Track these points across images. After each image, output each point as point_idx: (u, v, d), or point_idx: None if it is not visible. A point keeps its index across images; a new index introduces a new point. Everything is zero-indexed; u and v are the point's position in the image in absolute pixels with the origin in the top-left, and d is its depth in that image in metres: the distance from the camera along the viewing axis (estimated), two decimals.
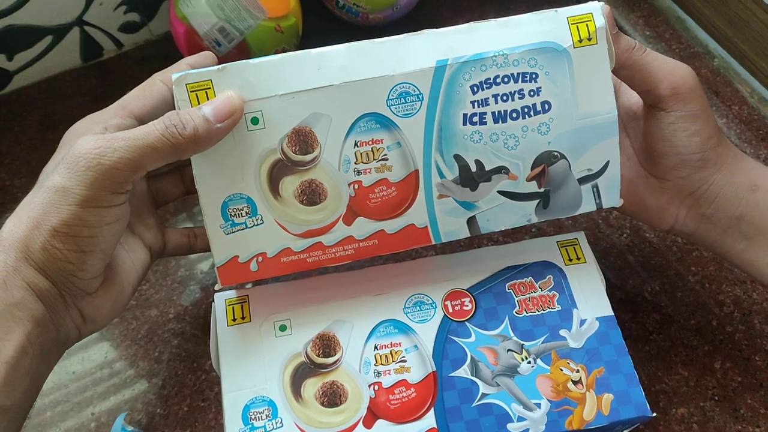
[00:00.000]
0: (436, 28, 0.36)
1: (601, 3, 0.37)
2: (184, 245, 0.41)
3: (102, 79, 0.57)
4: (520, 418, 0.35)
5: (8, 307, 0.30)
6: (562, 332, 0.37)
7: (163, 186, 0.41)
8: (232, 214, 0.35)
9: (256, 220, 0.36)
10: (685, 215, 0.39)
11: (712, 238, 0.39)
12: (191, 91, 0.34)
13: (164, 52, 0.59)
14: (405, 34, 0.36)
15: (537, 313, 0.38)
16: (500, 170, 0.37)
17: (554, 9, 0.36)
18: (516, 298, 0.38)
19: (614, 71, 0.37)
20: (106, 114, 0.36)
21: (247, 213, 0.35)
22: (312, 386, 0.35)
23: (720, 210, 0.38)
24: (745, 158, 0.39)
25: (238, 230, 0.36)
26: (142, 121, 0.35)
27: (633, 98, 0.40)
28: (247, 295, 0.37)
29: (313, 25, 0.57)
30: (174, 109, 0.34)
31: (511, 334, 0.37)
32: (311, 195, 0.36)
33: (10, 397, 0.30)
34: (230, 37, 0.49)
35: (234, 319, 0.37)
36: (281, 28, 0.51)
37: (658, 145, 0.38)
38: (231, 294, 0.37)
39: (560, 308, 0.38)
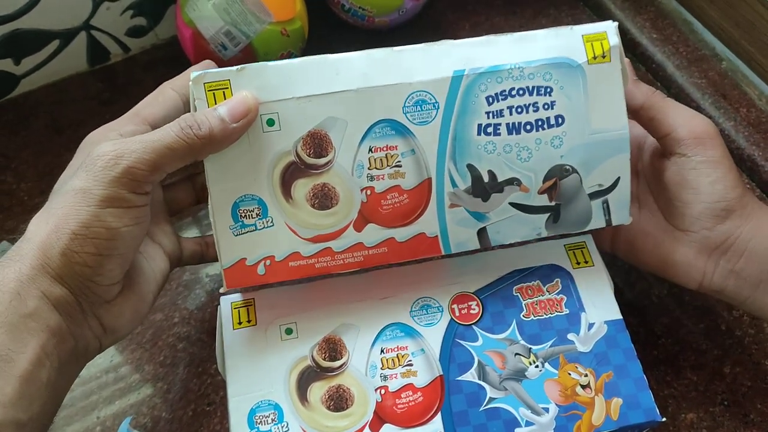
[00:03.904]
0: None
1: (615, 24, 0.37)
2: (198, 254, 0.41)
3: (108, 83, 0.58)
4: (528, 423, 0.34)
5: (22, 318, 0.30)
6: (570, 336, 0.37)
7: (176, 195, 0.41)
8: (243, 215, 0.35)
9: (267, 222, 0.35)
10: (713, 271, 0.38)
11: (744, 295, 0.38)
12: (209, 90, 0.34)
13: (171, 56, 0.59)
14: (423, 44, 0.36)
15: (545, 316, 0.37)
16: (512, 182, 0.37)
17: (570, 26, 0.37)
18: (523, 302, 0.38)
19: (635, 112, 0.38)
20: (120, 122, 0.36)
21: (257, 214, 0.35)
22: (318, 390, 0.35)
23: (750, 264, 0.37)
24: None
25: (248, 232, 0.35)
26: (155, 127, 0.35)
27: (657, 157, 0.40)
28: (253, 299, 0.37)
29: (318, 29, 0.57)
30: (183, 115, 0.34)
31: (519, 337, 0.37)
32: (323, 199, 0.36)
33: (27, 411, 0.29)
34: (236, 41, 0.50)
35: (240, 323, 0.36)
36: (287, 31, 0.51)
37: (681, 194, 0.38)
38: (237, 297, 0.37)
39: (568, 312, 0.38)
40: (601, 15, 0.61)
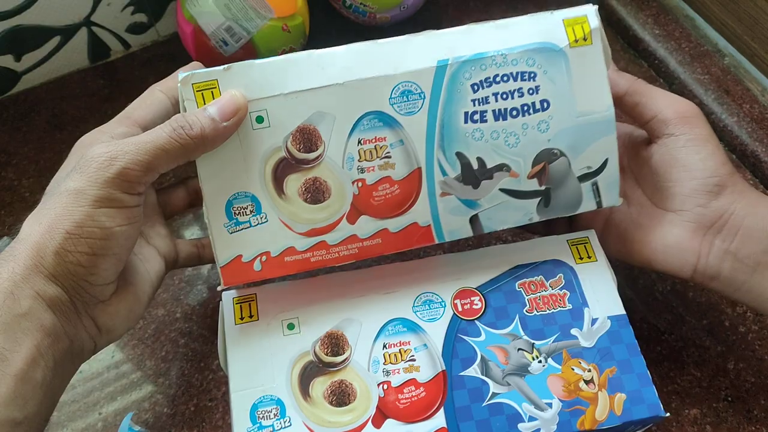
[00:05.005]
0: (443, 27, 0.37)
1: (596, 7, 0.38)
2: (194, 255, 0.41)
3: (109, 79, 0.57)
4: (531, 418, 0.34)
5: (16, 318, 0.30)
6: (574, 331, 0.37)
7: (170, 198, 0.42)
8: (237, 212, 0.35)
9: (261, 218, 0.35)
10: (708, 251, 0.37)
11: (740, 280, 0.36)
12: (197, 91, 0.35)
13: (171, 52, 0.59)
14: (406, 35, 0.36)
15: (548, 311, 0.37)
16: (502, 168, 0.37)
17: (550, 11, 0.37)
18: (526, 297, 0.38)
19: (619, 99, 0.39)
20: (112, 125, 0.36)
21: (251, 211, 0.35)
22: (320, 385, 0.35)
23: (747, 244, 0.36)
24: (763, 195, 0.38)
25: (243, 229, 0.35)
26: (145, 129, 0.36)
27: (643, 147, 0.40)
28: (255, 294, 0.37)
29: (320, 25, 0.57)
30: (174, 116, 0.34)
31: (522, 333, 0.37)
32: (315, 193, 0.36)
33: (21, 410, 0.29)
34: (237, 37, 0.49)
35: (242, 318, 0.36)
36: (288, 27, 0.51)
37: (672, 174, 0.38)
38: (239, 292, 0.37)
39: (571, 307, 0.37)
40: (604, 11, 0.61)
